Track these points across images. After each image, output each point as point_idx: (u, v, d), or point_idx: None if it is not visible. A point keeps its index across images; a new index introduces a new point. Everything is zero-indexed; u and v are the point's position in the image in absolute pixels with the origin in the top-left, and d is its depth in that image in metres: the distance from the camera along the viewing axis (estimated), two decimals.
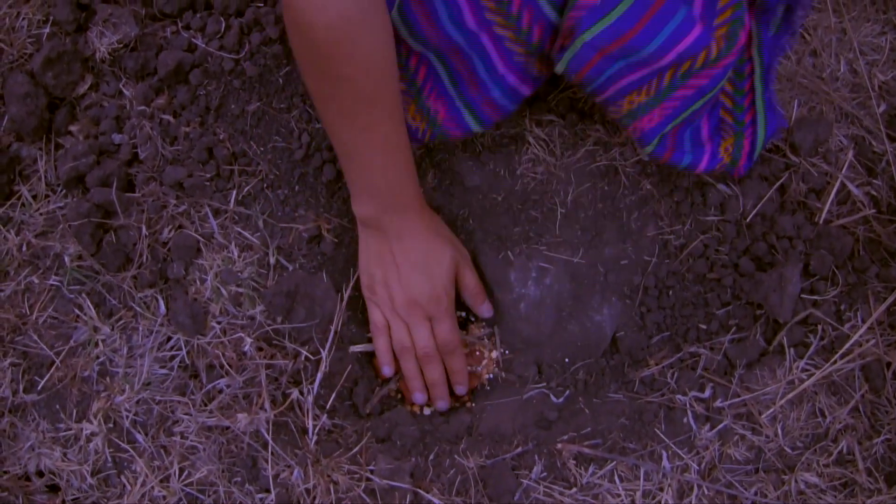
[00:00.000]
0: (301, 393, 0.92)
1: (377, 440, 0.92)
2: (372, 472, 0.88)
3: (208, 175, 0.97)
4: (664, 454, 0.91)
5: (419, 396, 0.96)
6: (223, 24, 1.01)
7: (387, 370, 0.97)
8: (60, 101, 1.01)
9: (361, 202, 0.92)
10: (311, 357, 0.94)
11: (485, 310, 1.00)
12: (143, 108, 0.99)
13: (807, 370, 0.94)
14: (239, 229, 0.97)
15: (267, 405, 0.90)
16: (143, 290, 0.95)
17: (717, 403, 0.94)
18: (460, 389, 0.97)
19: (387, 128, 0.85)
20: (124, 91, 1.00)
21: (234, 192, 0.97)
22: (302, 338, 0.94)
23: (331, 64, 0.79)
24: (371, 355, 0.99)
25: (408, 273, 0.92)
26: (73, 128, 1.00)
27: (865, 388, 0.94)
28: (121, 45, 1.00)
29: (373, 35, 0.78)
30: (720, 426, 0.92)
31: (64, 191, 0.99)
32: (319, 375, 0.93)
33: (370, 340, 0.98)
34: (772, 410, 0.93)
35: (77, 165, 0.97)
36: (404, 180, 0.90)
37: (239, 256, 0.95)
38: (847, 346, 0.95)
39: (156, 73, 1.00)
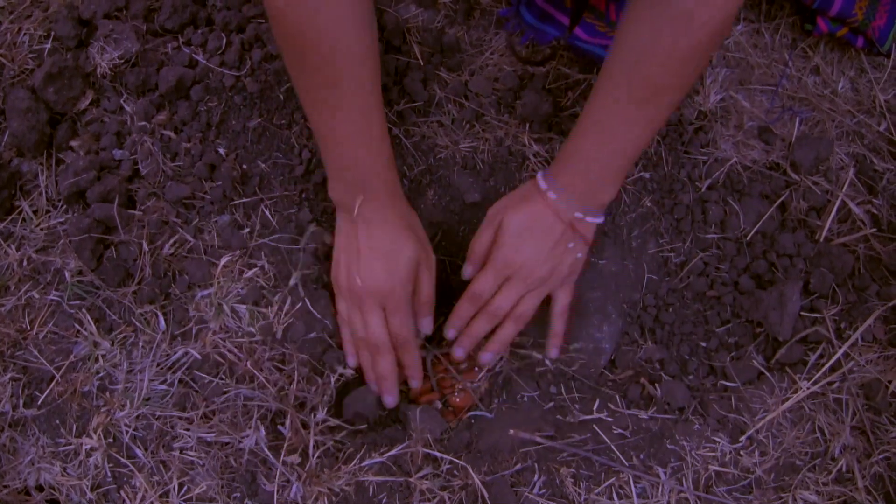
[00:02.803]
0: (301, 408, 0.98)
1: (376, 455, 0.98)
2: (370, 485, 0.94)
3: (209, 191, 1.03)
4: (662, 471, 0.97)
5: (371, 386, 1.00)
6: (224, 41, 1.08)
7: (350, 360, 1.01)
8: (61, 117, 1.08)
9: (334, 184, 0.96)
10: (311, 373, 0.99)
11: (425, 324, 1.02)
12: (143, 123, 1.05)
13: (806, 388, 1.00)
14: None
15: (267, 420, 0.96)
16: (144, 306, 1.01)
17: (716, 420, 0.99)
18: (414, 383, 1.01)
19: (355, 110, 0.90)
20: (125, 107, 1.07)
21: (236, 208, 1.03)
22: (302, 354, 1.00)
23: (294, 45, 0.86)
24: None
25: (368, 260, 0.95)
26: (73, 143, 1.07)
27: (865, 406, 1.00)
28: (122, 61, 1.07)
29: (333, 18, 0.84)
30: (720, 443, 0.98)
31: (65, 206, 1.05)
32: (320, 391, 0.99)
33: None
34: (771, 428, 0.98)
35: (78, 181, 1.03)
36: (376, 165, 0.94)
37: (240, 272, 1.01)
38: (848, 365, 1.01)
39: (157, 89, 1.07)
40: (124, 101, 1.07)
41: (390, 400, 1.00)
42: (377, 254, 0.95)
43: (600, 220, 0.98)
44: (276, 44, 0.89)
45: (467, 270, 1.01)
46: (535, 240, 0.96)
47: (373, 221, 0.96)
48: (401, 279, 0.96)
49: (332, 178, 0.96)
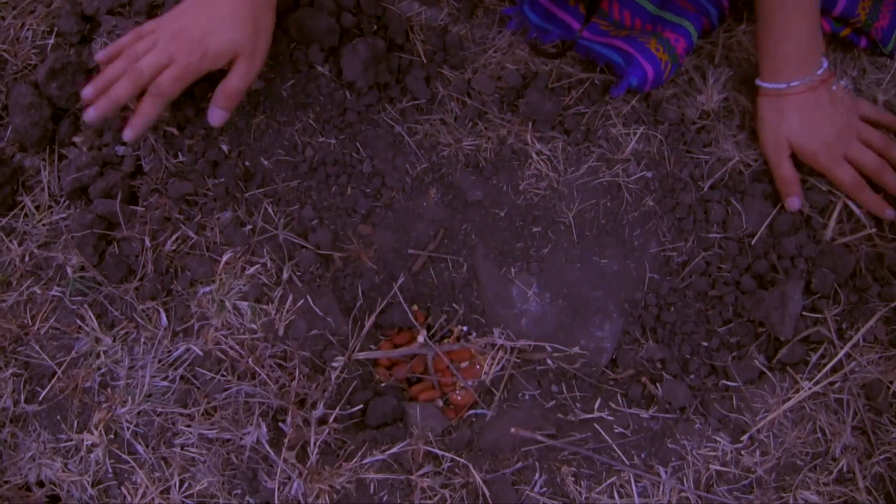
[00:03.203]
0: (302, 405, 0.98)
1: (378, 453, 0.98)
2: (371, 483, 0.95)
3: (212, 188, 1.04)
4: (664, 470, 0.97)
5: (85, 94, 0.96)
6: None
7: (101, 55, 0.98)
8: (64, 112, 1.08)
9: None
10: (313, 370, 1.00)
11: (214, 115, 0.98)
12: None
13: (807, 388, 1.00)
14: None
15: (269, 417, 0.96)
16: (146, 302, 1.01)
17: (717, 420, 1.00)
18: (127, 133, 0.96)
19: None
20: (128, 103, 1.07)
21: (239, 206, 1.04)
22: (304, 351, 1.00)
23: None
24: (374, 362, 1.05)
25: (197, 13, 0.94)
26: (76, 139, 1.07)
27: (866, 407, 1.00)
28: None
29: None
30: (721, 443, 0.98)
31: (67, 202, 1.05)
32: (321, 388, 0.99)
33: (371, 349, 1.04)
34: (772, 428, 0.99)
35: (80, 177, 1.03)
36: None
37: (242, 269, 1.02)
38: (849, 365, 1.01)
39: None
40: None
41: (91, 113, 0.95)
42: (209, 14, 0.93)
43: (827, 63, 1.04)
44: None
45: (795, 201, 1.05)
46: (827, 118, 1.04)
47: None
48: (206, 47, 0.92)
49: None
